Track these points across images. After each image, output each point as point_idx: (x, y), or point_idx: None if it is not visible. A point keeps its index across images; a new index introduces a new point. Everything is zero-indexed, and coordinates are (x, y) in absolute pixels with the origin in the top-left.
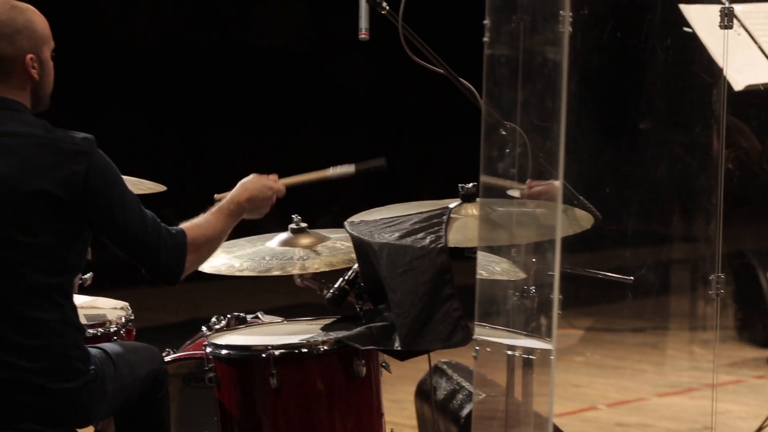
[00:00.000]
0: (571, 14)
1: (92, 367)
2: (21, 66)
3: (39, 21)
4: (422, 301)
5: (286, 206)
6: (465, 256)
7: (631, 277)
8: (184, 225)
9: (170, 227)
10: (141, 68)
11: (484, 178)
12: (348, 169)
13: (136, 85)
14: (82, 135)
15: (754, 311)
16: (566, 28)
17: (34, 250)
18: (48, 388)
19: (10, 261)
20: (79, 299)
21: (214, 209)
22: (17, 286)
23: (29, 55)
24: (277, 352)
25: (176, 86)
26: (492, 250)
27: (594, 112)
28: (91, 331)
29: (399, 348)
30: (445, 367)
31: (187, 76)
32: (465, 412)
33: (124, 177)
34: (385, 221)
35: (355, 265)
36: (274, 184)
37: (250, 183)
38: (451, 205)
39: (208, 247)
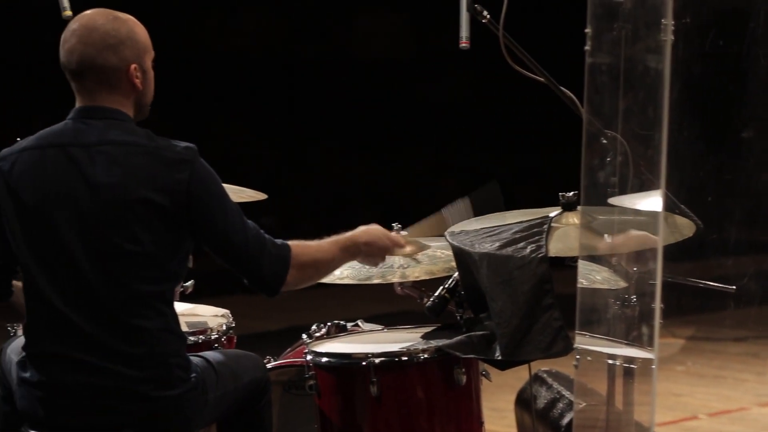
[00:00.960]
0: (673, 22)
1: (193, 375)
2: (125, 76)
3: (140, 31)
4: (522, 311)
5: (387, 215)
6: (566, 265)
7: (733, 287)
8: (292, 242)
9: (275, 240)
10: (243, 78)
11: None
12: (463, 206)
13: (239, 95)
14: (184, 144)
15: None
16: (668, 37)
17: (139, 259)
18: (150, 396)
19: (114, 269)
20: (179, 307)
21: (330, 239)
22: (121, 295)
23: (133, 65)
24: (377, 360)
25: (278, 96)
26: (593, 258)
27: (696, 120)
28: (192, 338)
29: (499, 358)
30: (545, 375)
31: (289, 86)
32: (565, 421)
33: (226, 185)
34: (485, 231)
35: (456, 274)
36: (394, 236)
37: (371, 228)
38: (552, 214)
39: (313, 269)
